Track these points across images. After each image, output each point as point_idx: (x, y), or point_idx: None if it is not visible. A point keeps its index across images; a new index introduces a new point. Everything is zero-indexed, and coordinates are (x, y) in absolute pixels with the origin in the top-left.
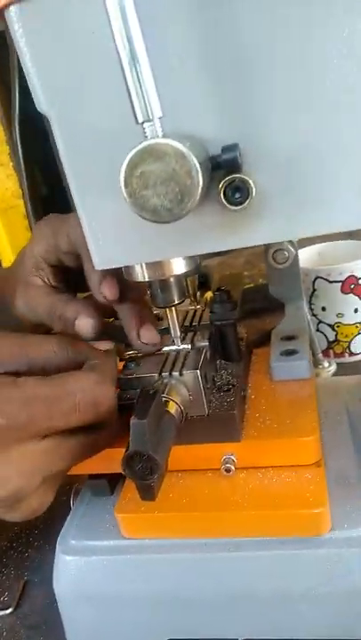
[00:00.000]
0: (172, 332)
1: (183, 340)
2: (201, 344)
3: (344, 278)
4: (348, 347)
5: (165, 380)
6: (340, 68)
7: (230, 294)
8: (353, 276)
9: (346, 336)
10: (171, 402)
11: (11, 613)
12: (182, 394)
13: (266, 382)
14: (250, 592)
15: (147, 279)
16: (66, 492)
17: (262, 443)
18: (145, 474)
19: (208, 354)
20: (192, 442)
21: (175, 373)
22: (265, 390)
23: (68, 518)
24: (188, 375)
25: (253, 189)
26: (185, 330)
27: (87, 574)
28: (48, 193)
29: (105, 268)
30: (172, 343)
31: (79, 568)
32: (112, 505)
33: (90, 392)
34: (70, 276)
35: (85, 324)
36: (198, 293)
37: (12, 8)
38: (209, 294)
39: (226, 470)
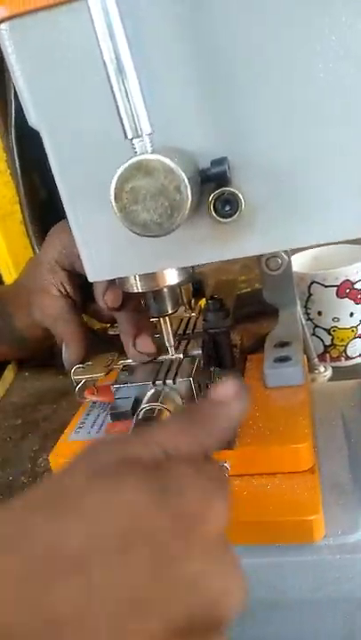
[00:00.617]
0: (165, 341)
1: (177, 349)
2: (194, 352)
3: (340, 283)
4: (345, 350)
5: (159, 389)
6: (336, 71)
7: (223, 302)
8: (348, 280)
9: (342, 340)
10: (165, 411)
11: None
12: (176, 402)
13: (260, 389)
14: (248, 599)
15: (140, 290)
16: None
17: (256, 450)
18: None
19: (201, 362)
20: None
21: (169, 382)
22: (259, 397)
23: None
24: (182, 384)
25: (243, 202)
26: (179, 338)
27: None
28: (46, 196)
29: (97, 280)
30: (166, 352)
31: None
32: None
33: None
34: (82, 282)
35: (65, 355)
36: (193, 300)
37: (2, 25)
38: (203, 301)
39: None
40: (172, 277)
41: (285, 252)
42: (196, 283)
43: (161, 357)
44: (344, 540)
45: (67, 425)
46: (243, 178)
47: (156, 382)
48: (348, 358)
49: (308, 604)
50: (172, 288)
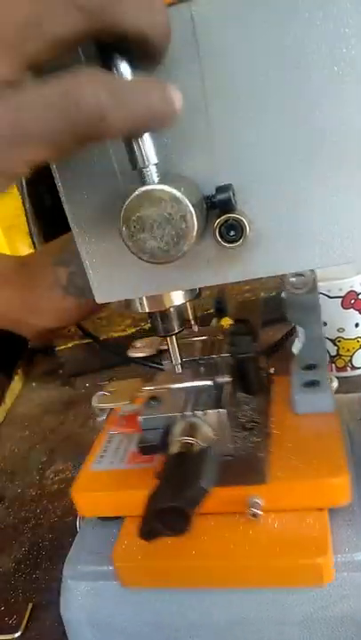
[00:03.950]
0: (172, 359)
1: (203, 375)
2: (223, 380)
3: (344, 294)
4: (350, 361)
5: (189, 420)
6: (337, 103)
7: (250, 325)
8: (353, 291)
9: (348, 350)
10: (196, 445)
11: (19, 637)
12: (206, 434)
13: (288, 415)
14: (250, 617)
15: (147, 311)
16: (72, 512)
17: (289, 485)
18: (171, 523)
19: (230, 389)
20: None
21: (199, 413)
22: (288, 425)
23: (74, 543)
24: (213, 414)
25: (247, 228)
26: (205, 363)
27: (94, 600)
28: (52, 207)
29: (105, 302)
30: (194, 378)
31: (86, 593)
32: (117, 529)
33: None
34: None
35: None
36: (215, 320)
37: None
38: (226, 321)
39: (253, 515)
40: (177, 298)
41: (311, 269)
42: (218, 301)
43: (188, 384)
44: (351, 557)
45: (72, 437)
46: (247, 203)
47: (185, 413)
48: (353, 368)
49: (315, 622)
50: (178, 308)
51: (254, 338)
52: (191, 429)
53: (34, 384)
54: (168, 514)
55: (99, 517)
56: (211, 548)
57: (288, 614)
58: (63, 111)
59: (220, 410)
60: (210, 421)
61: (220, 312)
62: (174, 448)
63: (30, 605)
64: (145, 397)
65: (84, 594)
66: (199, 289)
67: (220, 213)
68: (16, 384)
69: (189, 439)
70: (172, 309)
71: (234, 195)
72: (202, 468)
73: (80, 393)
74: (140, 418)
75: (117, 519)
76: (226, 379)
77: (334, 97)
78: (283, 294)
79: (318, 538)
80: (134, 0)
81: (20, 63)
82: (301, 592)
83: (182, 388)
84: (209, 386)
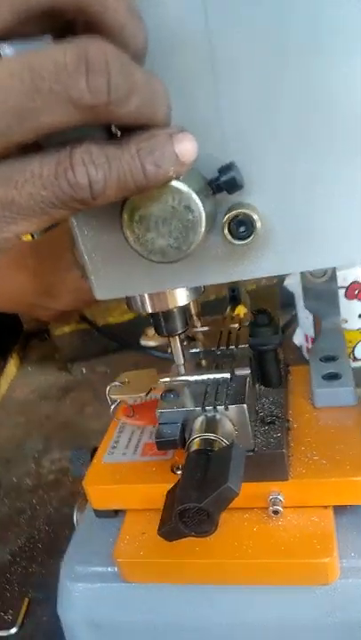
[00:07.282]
0: (175, 360)
1: (221, 367)
2: (242, 372)
3: (348, 284)
4: (353, 352)
5: (210, 415)
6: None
7: (272, 316)
8: (357, 281)
9: (350, 341)
10: (218, 441)
11: (15, 634)
12: (228, 429)
13: (308, 409)
14: (256, 622)
15: (149, 311)
16: (69, 503)
17: (312, 482)
18: (194, 524)
19: (250, 382)
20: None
21: (220, 407)
22: (308, 419)
23: (72, 542)
24: (234, 409)
25: (258, 223)
26: (222, 353)
27: (92, 601)
28: None
29: (105, 299)
30: (212, 370)
31: (84, 594)
32: (116, 527)
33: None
34: None
35: None
36: (229, 308)
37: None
38: (241, 309)
39: (274, 512)
40: (181, 298)
41: None
42: (232, 289)
43: (206, 377)
44: (357, 563)
45: (69, 424)
46: (257, 198)
47: (206, 407)
48: (355, 359)
49: (320, 627)
50: (181, 308)
51: (276, 330)
52: (212, 425)
53: (29, 368)
54: (192, 514)
55: (97, 515)
56: (214, 545)
57: (293, 619)
58: (57, 190)
59: (242, 405)
60: (231, 416)
61: (234, 300)
62: (195, 444)
63: (27, 601)
64: (161, 390)
65: (81, 595)
66: (203, 287)
67: (228, 191)
68: (11, 368)
69: (211, 435)
70: (175, 309)
71: (238, 172)
72: (229, 468)
73: (77, 379)
74: (157, 411)
75: (116, 517)
76: (245, 371)
77: (352, 83)
78: (284, 283)
79: (324, 536)
80: (141, 98)
81: (5, 147)
82: (307, 597)
83: (200, 381)
84: (227, 378)
